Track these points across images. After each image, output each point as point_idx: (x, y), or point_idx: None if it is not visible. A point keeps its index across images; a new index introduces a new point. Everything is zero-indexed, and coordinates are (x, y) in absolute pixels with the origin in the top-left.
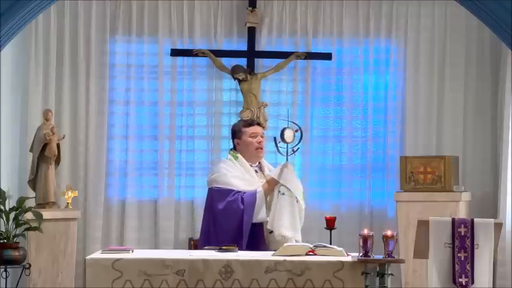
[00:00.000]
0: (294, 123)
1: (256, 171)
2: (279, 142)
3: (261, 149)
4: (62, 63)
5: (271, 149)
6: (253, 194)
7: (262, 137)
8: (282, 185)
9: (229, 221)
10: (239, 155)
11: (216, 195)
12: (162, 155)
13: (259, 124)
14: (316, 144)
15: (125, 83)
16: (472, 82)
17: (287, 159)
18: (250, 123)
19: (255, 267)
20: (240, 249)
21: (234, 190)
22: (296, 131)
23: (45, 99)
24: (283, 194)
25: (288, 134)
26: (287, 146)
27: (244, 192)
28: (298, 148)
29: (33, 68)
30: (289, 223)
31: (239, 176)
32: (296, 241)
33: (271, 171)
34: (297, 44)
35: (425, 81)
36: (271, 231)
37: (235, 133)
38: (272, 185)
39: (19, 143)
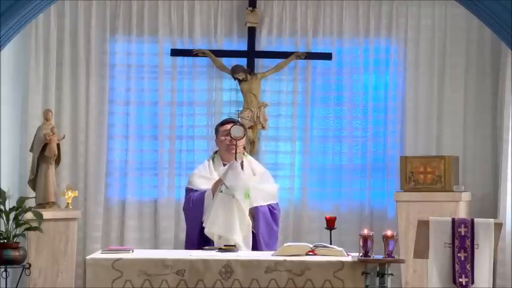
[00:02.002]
0: (246, 119)
1: None
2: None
3: (233, 146)
4: (62, 63)
5: (271, 149)
6: (201, 194)
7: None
8: (224, 183)
9: (186, 220)
10: (216, 155)
11: (184, 194)
12: (162, 155)
13: (235, 122)
14: (316, 144)
15: (125, 83)
16: (472, 82)
17: (235, 158)
18: (224, 122)
19: (255, 267)
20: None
21: (192, 189)
22: (249, 127)
23: (45, 99)
24: (221, 191)
25: (236, 131)
26: (236, 143)
27: (197, 192)
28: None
29: (33, 68)
30: (221, 221)
31: (206, 175)
32: (234, 242)
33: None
34: (297, 44)
35: (425, 81)
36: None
37: (215, 132)
38: (218, 184)
39: (19, 143)
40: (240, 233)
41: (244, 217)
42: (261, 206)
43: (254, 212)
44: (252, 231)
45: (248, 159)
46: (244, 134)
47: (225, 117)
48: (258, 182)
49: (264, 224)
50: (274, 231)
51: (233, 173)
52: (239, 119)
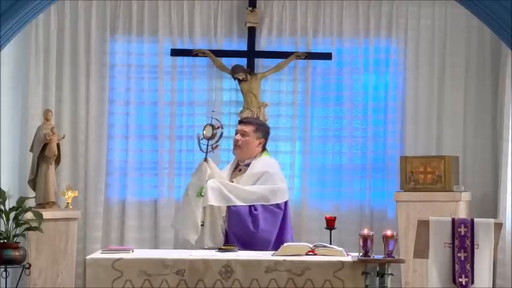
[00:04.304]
0: (216, 119)
1: (240, 170)
2: (202, 139)
3: (236, 146)
4: (62, 63)
5: (271, 149)
6: None
7: (241, 134)
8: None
9: None
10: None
11: None
12: (162, 155)
13: (243, 121)
14: (316, 144)
15: (125, 83)
16: (472, 82)
17: (206, 157)
18: (238, 122)
19: (255, 267)
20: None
21: None
22: (218, 127)
23: (45, 99)
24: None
25: (207, 130)
26: (207, 143)
27: None
28: (218, 145)
29: (33, 68)
30: (177, 217)
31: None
32: (189, 239)
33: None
34: (297, 44)
35: (425, 81)
36: None
37: None
38: None
39: (19, 143)
40: (194, 230)
41: (194, 215)
42: (234, 206)
43: (227, 212)
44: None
45: (257, 160)
46: (213, 134)
47: (225, 117)
48: (248, 183)
49: (237, 225)
50: (252, 232)
51: (196, 170)
52: (213, 119)
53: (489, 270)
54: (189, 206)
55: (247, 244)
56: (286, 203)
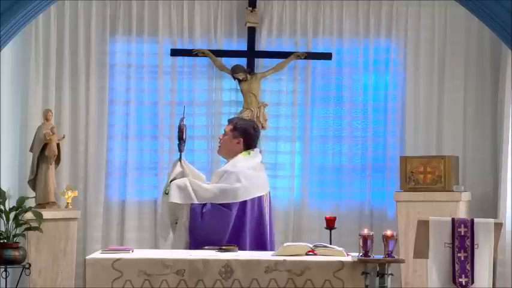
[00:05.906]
0: (181, 119)
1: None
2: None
3: (219, 145)
4: (62, 63)
5: (271, 149)
6: None
7: (223, 134)
8: None
9: None
10: None
11: None
12: (162, 155)
13: (229, 120)
14: (316, 144)
15: (125, 83)
16: (472, 82)
17: (180, 156)
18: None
19: (255, 267)
20: None
21: None
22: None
23: (45, 99)
24: None
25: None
26: (180, 143)
27: None
28: (182, 144)
29: (33, 68)
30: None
31: None
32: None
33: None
34: (297, 44)
35: (425, 81)
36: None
37: None
38: None
39: (19, 143)
40: (164, 228)
41: (163, 213)
42: (192, 203)
43: None
44: None
45: (231, 159)
46: (180, 134)
47: (225, 117)
48: (214, 181)
49: (191, 221)
50: (199, 229)
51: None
52: (182, 123)
53: (489, 270)
54: (161, 204)
55: (199, 241)
56: (245, 203)
